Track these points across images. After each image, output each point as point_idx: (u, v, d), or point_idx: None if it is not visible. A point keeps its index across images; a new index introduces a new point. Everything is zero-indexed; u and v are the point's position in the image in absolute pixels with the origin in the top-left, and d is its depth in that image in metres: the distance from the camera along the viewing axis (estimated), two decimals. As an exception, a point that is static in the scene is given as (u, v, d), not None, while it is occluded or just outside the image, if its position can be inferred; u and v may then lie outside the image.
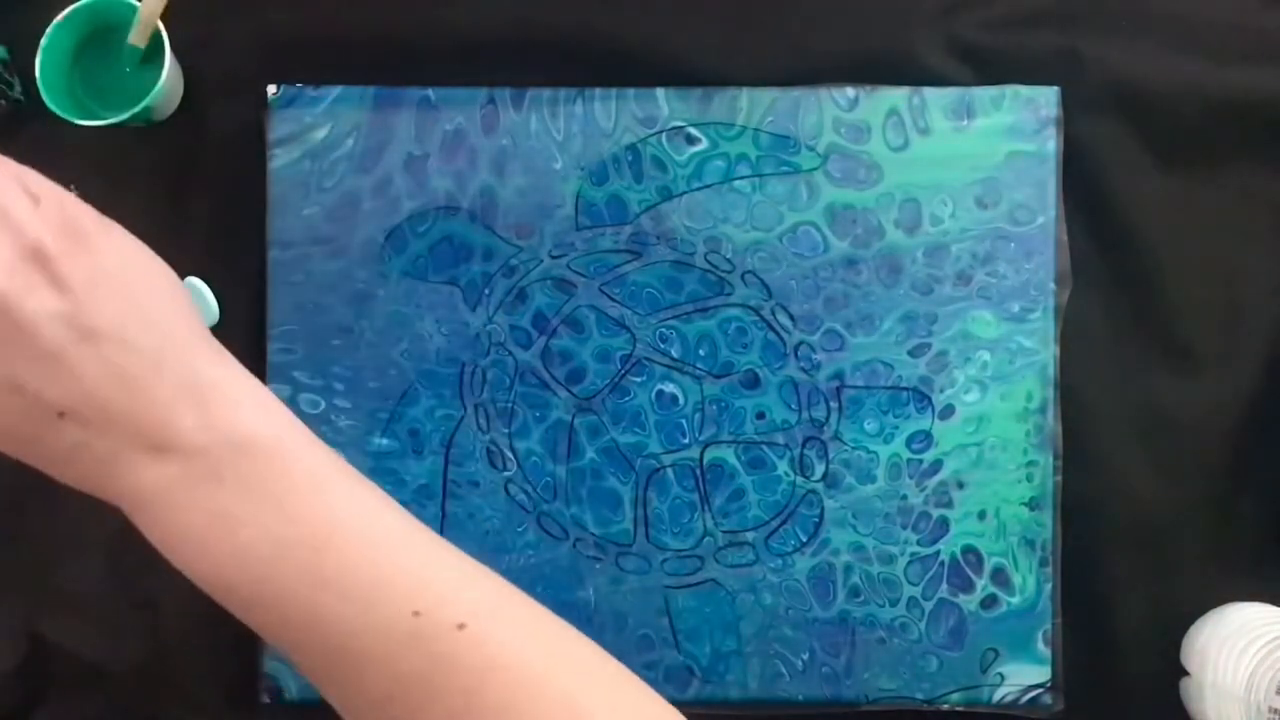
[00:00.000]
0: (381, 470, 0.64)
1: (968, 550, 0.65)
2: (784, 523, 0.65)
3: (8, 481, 0.66)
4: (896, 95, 0.65)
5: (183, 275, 0.65)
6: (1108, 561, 0.66)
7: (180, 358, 0.40)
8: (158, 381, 0.40)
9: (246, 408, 0.41)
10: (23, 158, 0.66)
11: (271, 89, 0.65)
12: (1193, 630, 0.65)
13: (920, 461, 0.65)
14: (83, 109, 0.65)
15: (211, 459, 0.39)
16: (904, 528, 0.64)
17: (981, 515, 0.65)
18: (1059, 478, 0.65)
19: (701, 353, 0.65)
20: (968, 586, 0.64)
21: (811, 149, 0.65)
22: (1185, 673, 0.64)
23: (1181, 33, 0.67)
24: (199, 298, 0.61)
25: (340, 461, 0.42)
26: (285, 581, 0.39)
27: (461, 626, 0.40)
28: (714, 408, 0.65)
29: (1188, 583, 0.66)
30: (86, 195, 0.68)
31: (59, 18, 0.62)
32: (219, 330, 0.62)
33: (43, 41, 0.62)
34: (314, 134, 0.65)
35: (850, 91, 0.65)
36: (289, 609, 0.39)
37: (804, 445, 0.65)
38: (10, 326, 0.38)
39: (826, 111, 0.65)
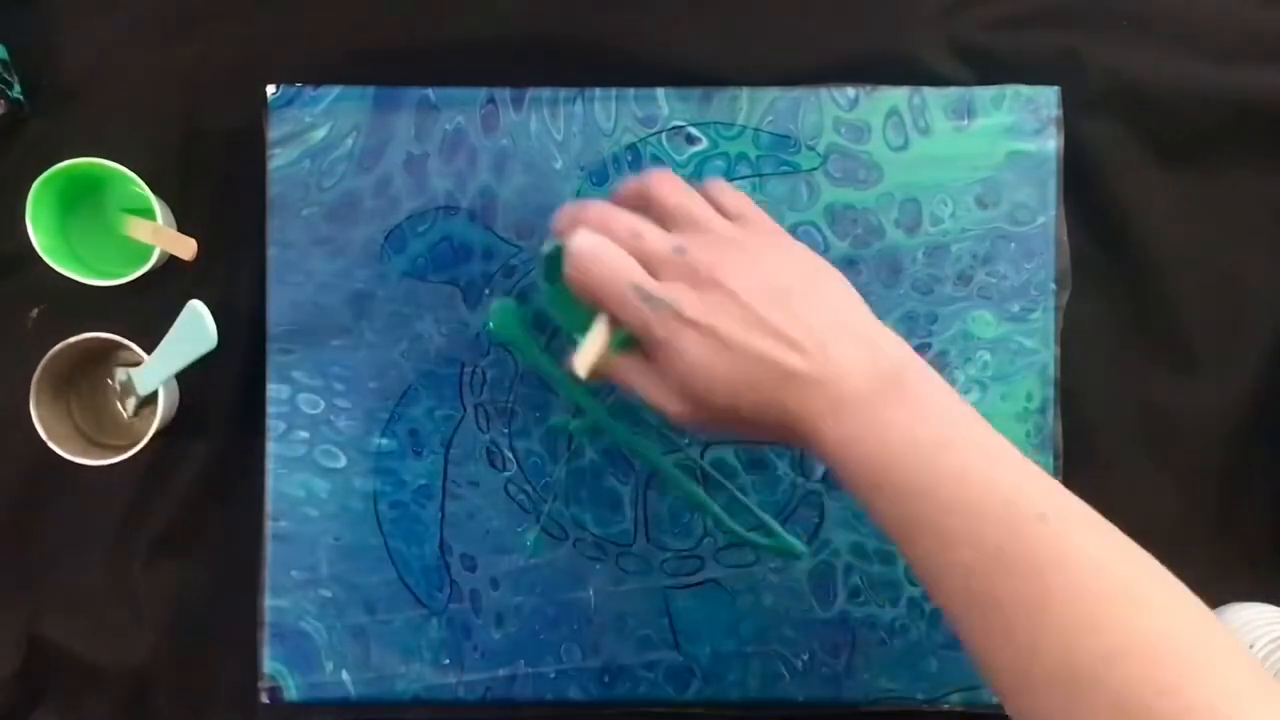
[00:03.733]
0: (381, 470, 0.64)
1: (968, 550, 0.64)
2: (784, 523, 0.64)
3: (8, 482, 0.66)
4: (896, 95, 0.65)
5: (184, 274, 0.66)
6: (1108, 561, 0.66)
7: (847, 308, 0.54)
8: (835, 323, 0.52)
9: (895, 349, 0.52)
10: (21, 157, 0.66)
11: (271, 89, 0.65)
12: (1193, 630, 0.65)
13: (920, 461, 0.64)
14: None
15: (865, 384, 0.50)
16: (904, 528, 0.64)
17: (981, 515, 0.64)
18: (1059, 478, 0.65)
19: (701, 353, 0.65)
20: (968, 586, 0.64)
21: (812, 149, 0.65)
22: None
23: (1181, 33, 0.67)
24: (197, 321, 0.61)
25: (950, 388, 0.52)
26: (915, 472, 0.49)
27: (1042, 518, 0.47)
28: (714, 408, 0.64)
29: (1188, 583, 0.66)
30: (86, 195, 0.67)
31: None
32: (218, 331, 0.62)
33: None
34: (314, 134, 0.65)
35: (850, 91, 0.65)
36: (912, 495, 0.49)
37: (804, 445, 0.65)
38: (729, 295, 0.51)
39: (826, 111, 0.65)
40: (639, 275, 0.52)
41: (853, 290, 0.54)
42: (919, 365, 0.52)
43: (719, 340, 0.51)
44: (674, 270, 0.52)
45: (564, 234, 0.55)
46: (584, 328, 0.55)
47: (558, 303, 0.57)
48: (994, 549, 0.47)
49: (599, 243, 0.53)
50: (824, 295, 0.53)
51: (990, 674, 0.48)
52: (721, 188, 0.58)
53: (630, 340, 0.54)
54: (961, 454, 0.49)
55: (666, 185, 0.56)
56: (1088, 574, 0.46)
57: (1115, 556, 0.47)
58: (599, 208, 0.55)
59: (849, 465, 0.50)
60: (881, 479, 0.49)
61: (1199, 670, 0.44)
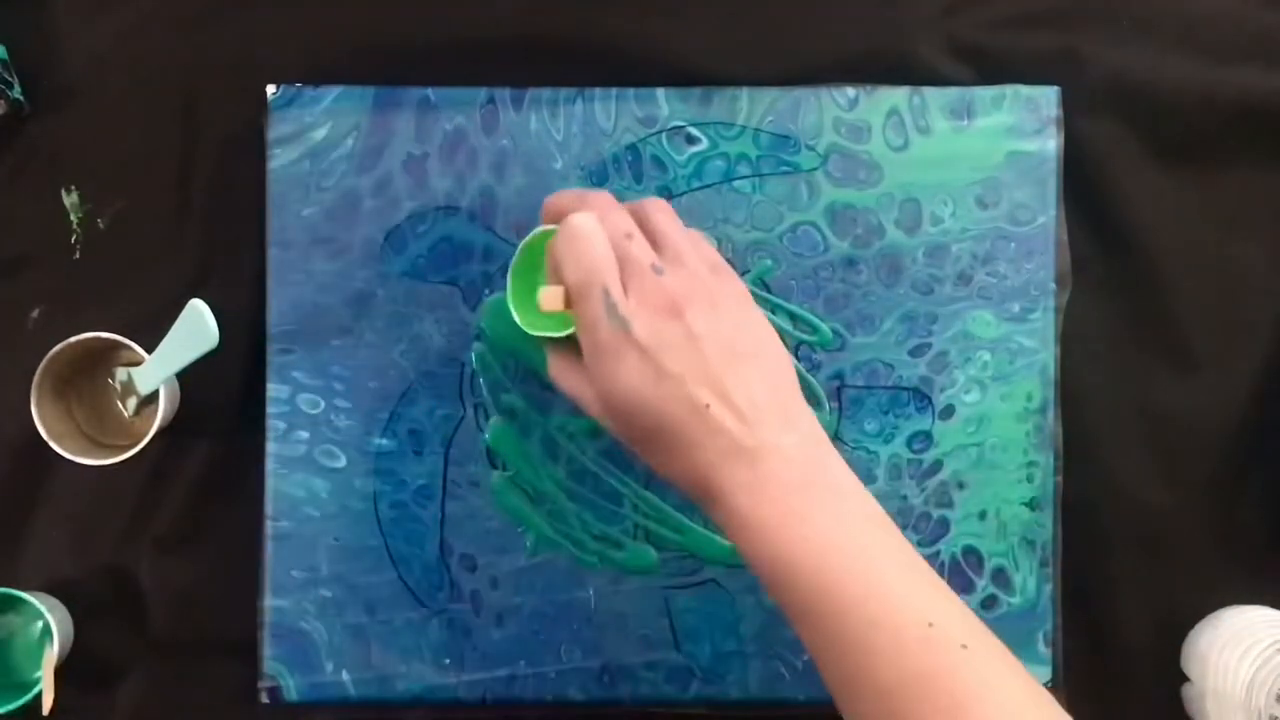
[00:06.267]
0: (381, 470, 0.64)
1: (968, 550, 0.65)
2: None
3: (8, 480, 0.66)
4: (896, 95, 0.65)
5: (184, 275, 0.66)
6: (1108, 561, 0.66)
7: (788, 387, 0.53)
8: (775, 401, 0.51)
9: (820, 436, 0.52)
10: (22, 158, 0.66)
11: (271, 89, 0.65)
12: (1192, 635, 0.65)
13: (920, 462, 0.65)
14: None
15: (792, 468, 0.50)
16: (904, 528, 0.64)
17: (982, 515, 0.65)
18: (1059, 478, 0.65)
19: (701, 353, 0.64)
20: (968, 587, 0.64)
21: (812, 149, 0.65)
22: (1185, 674, 0.64)
23: (1181, 33, 0.67)
24: (198, 321, 0.61)
25: (862, 485, 0.52)
26: (828, 573, 0.48)
27: (965, 646, 0.47)
28: (714, 408, 0.64)
29: (1188, 583, 0.66)
30: (87, 195, 0.68)
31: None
32: (219, 331, 0.62)
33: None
34: (313, 134, 0.65)
35: (850, 91, 0.65)
36: (826, 597, 0.48)
37: (804, 445, 0.64)
38: (686, 335, 0.51)
39: (826, 111, 0.65)
40: (613, 281, 0.52)
41: (793, 370, 0.54)
42: (836, 454, 0.52)
43: (660, 372, 0.50)
44: (645, 285, 0.52)
45: (557, 217, 0.55)
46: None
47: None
48: (915, 674, 0.46)
49: (596, 231, 0.53)
50: (771, 370, 0.52)
51: None
52: (700, 238, 0.57)
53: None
54: (883, 566, 0.48)
55: (662, 214, 0.56)
56: (1007, 712, 0.46)
57: (1032, 698, 0.47)
58: (604, 199, 0.55)
59: (762, 548, 0.49)
60: (796, 577, 0.49)
61: None
